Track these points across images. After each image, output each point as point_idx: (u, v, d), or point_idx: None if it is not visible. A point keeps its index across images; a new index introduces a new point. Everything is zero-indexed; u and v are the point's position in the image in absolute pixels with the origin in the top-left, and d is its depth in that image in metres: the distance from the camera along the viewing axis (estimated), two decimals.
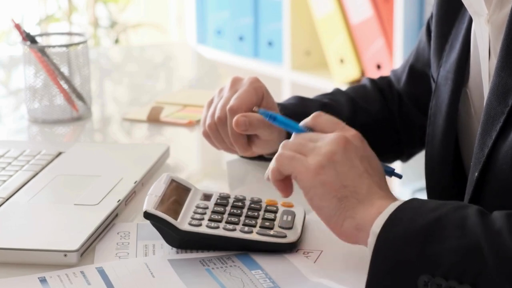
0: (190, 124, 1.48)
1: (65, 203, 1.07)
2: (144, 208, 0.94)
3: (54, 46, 1.49)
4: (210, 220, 0.96)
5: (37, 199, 1.10)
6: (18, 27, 1.48)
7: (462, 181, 1.11)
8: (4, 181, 1.15)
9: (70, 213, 1.04)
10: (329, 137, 0.92)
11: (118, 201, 1.06)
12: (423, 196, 1.18)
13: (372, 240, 0.84)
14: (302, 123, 0.98)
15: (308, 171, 0.89)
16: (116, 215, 1.05)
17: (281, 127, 1.02)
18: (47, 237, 0.97)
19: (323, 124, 0.96)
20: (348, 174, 0.89)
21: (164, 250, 0.95)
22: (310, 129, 0.97)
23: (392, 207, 0.86)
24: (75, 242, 0.94)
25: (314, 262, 0.92)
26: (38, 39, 1.51)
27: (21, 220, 1.03)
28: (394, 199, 0.88)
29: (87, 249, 0.95)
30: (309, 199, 0.90)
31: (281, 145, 0.94)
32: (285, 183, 0.95)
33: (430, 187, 1.18)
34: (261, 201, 1.02)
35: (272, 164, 0.94)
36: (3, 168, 1.20)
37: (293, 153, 0.92)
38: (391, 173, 0.99)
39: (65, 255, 0.92)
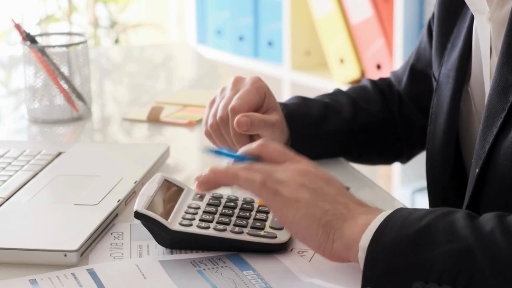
0: (190, 124, 1.48)
1: (65, 203, 1.07)
2: (135, 208, 0.94)
3: (54, 46, 1.49)
4: (201, 220, 0.96)
5: (37, 199, 1.10)
6: (18, 27, 1.47)
7: (463, 179, 1.11)
8: (4, 181, 1.15)
9: (70, 213, 1.04)
10: (290, 170, 0.91)
11: (118, 201, 1.06)
12: (424, 196, 1.18)
13: (362, 254, 0.84)
14: (245, 151, 0.96)
15: (287, 208, 0.88)
16: (116, 215, 1.05)
17: (228, 158, 1.00)
18: (47, 237, 0.97)
19: (271, 154, 0.95)
20: (324, 200, 0.89)
21: (158, 250, 0.95)
22: (256, 158, 0.95)
23: (379, 218, 0.85)
24: (75, 242, 0.94)
25: (309, 261, 0.92)
26: (38, 39, 1.51)
27: (21, 220, 1.03)
28: (376, 212, 0.88)
29: (87, 249, 0.95)
30: (293, 233, 0.90)
31: (244, 167, 0.92)
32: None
33: (431, 186, 1.18)
34: (253, 202, 1.02)
35: (251, 175, 0.90)
36: (3, 168, 1.20)
37: (276, 186, 0.89)
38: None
39: (65, 255, 0.92)
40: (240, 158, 0.97)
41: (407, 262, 0.81)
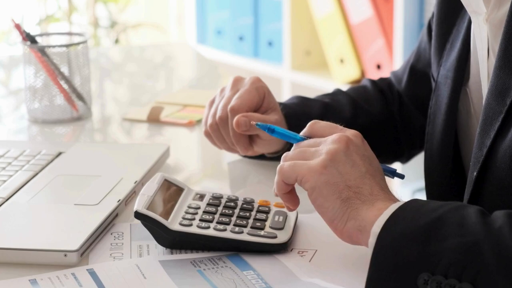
0: (190, 124, 1.48)
1: (65, 203, 1.07)
2: (135, 208, 0.94)
3: (54, 46, 1.49)
4: (201, 220, 0.96)
5: (37, 199, 1.10)
6: (18, 27, 1.48)
7: (461, 180, 1.11)
8: (4, 181, 1.15)
9: (70, 213, 1.04)
10: (331, 137, 0.93)
11: (118, 201, 1.06)
12: (423, 196, 1.18)
13: (372, 240, 0.84)
14: (300, 133, 0.98)
15: (311, 171, 0.89)
16: (116, 215, 1.05)
17: (280, 138, 1.01)
18: (47, 237, 0.97)
19: (321, 130, 0.96)
20: (351, 174, 0.89)
21: (158, 250, 0.95)
22: (308, 138, 0.97)
23: (392, 207, 0.86)
24: (75, 242, 0.94)
25: (309, 261, 0.92)
26: (38, 39, 1.51)
27: (21, 220, 1.03)
28: (394, 200, 0.88)
29: (87, 249, 0.95)
30: (313, 199, 0.90)
31: (282, 157, 0.94)
32: (291, 195, 0.95)
33: (429, 186, 1.18)
34: (253, 202, 1.02)
35: (276, 177, 0.93)
36: (3, 168, 1.20)
37: (294, 161, 0.92)
38: (393, 173, 0.99)
39: (65, 255, 0.92)
40: (294, 137, 0.98)
41: (416, 253, 0.81)
